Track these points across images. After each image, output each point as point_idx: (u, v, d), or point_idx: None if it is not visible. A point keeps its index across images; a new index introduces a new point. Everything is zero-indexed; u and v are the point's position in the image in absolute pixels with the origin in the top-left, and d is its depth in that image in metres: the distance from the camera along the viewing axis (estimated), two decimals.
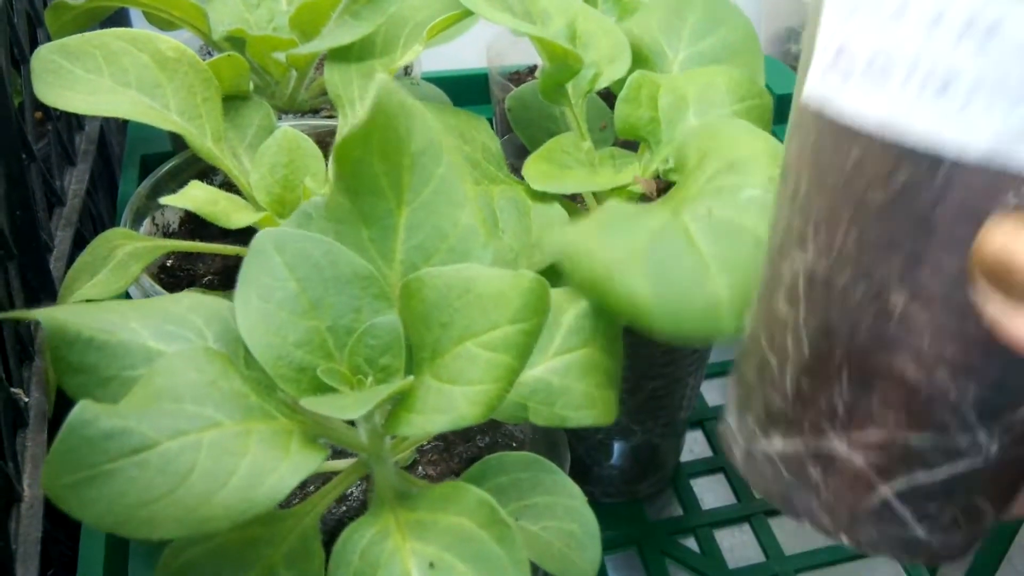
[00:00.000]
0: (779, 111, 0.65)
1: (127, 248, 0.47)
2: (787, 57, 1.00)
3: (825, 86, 0.31)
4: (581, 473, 0.69)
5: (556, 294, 0.45)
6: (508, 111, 0.64)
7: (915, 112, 0.28)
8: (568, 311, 0.44)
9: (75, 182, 0.62)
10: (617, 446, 0.67)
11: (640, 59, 0.61)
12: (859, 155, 0.29)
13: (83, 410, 0.29)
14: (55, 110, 0.62)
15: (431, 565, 0.33)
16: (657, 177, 0.57)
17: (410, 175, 0.38)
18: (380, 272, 0.38)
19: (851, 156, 0.30)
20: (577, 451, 0.66)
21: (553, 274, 0.48)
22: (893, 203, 0.29)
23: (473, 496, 0.34)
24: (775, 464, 0.32)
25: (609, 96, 0.62)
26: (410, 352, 0.37)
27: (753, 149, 0.50)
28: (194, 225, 0.57)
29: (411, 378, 0.35)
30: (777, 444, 0.31)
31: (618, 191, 0.56)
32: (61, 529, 0.48)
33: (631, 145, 0.59)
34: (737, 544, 0.67)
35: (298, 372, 0.36)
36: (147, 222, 0.54)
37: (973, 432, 0.28)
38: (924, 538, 0.30)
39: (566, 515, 0.39)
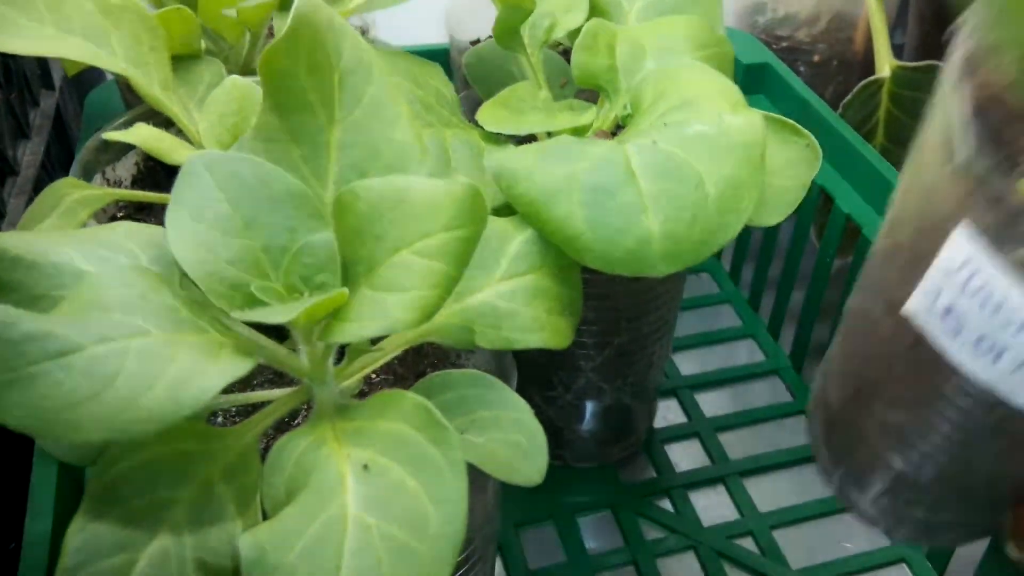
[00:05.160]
0: (746, 82, 0.64)
1: (75, 196, 0.46)
2: (754, 29, 1.00)
3: (932, 325, 0.35)
4: (552, 436, 0.68)
5: (503, 222, 0.45)
6: (466, 67, 0.64)
7: (1019, 390, 0.33)
8: (515, 237, 0.44)
9: (29, 154, 0.62)
10: (588, 407, 0.67)
11: (595, 11, 0.61)
12: (955, 389, 0.35)
13: (4, 313, 0.29)
14: (7, 87, 0.62)
15: (365, 467, 0.32)
16: (617, 128, 0.57)
17: (340, 92, 0.38)
18: (314, 191, 0.37)
19: (947, 387, 0.35)
20: (547, 413, 0.66)
21: (506, 211, 0.48)
22: (988, 437, 0.35)
23: (409, 401, 0.34)
24: None
25: (569, 55, 0.62)
26: (346, 269, 0.37)
27: (706, 88, 0.50)
28: (146, 182, 0.57)
29: (345, 290, 0.35)
30: None
31: (576, 132, 0.56)
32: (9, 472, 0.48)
33: (591, 100, 0.59)
34: (712, 504, 0.67)
35: (231, 289, 0.35)
36: (97, 178, 0.53)
37: None
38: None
39: (512, 427, 0.38)
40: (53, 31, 0.47)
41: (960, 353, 0.34)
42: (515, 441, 0.37)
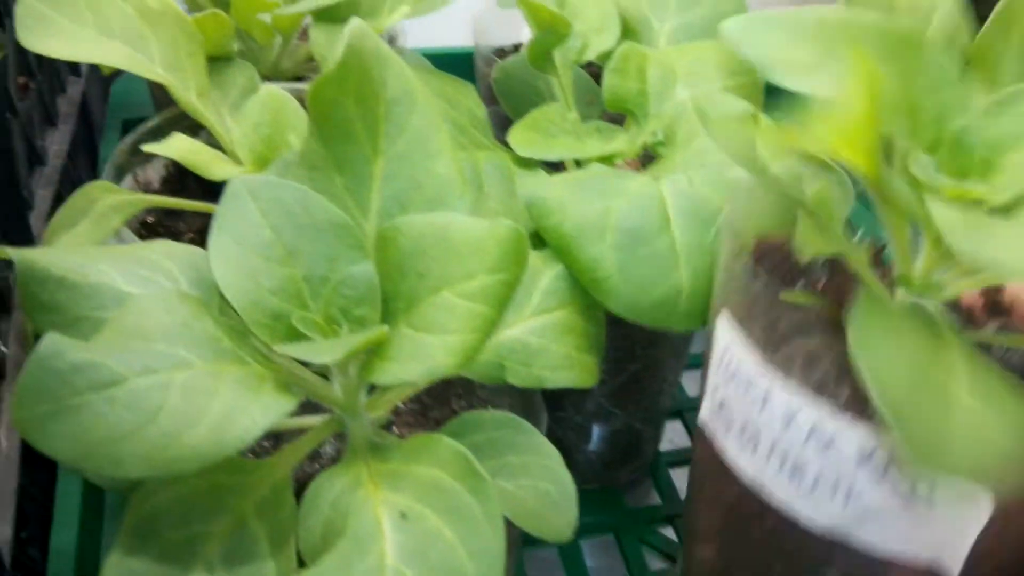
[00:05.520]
0: (769, 94, 0.64)
1: (107, 201, 0.46)
2: None
3: (713, 425, 0.38)
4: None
5: (533, 256, 0.45)
6: (494, 82, 0.63)
7: (776, 482, 0.34)
8: (545, 272, 0.44)
9: (56, 143, 0.62)
10: (596, 430, 0.66)
11: (626, 31, 0.60)
12: (737, 495, 0.37)
13: (51, 342, 0.29)
14: (38, 74, 0.62)
15: (403, 515, 0.32)
16: (644, 152, 0.57)
17: (385, 123, 0.38)
18: (356, 221, 0.37)
19: (732, 492, 0.37)
20: (556, 433, 0.66)
21: (534, 238, 0.48)
22: (764, 540, 0.36)
23: (448, 448, 0.34)
24: None
25: (595, 74, 0.61)
26: (386, 302, 0.36)
27: None
28: (175, 184, 0.56)
29: (386, 327, 0.35)
30: None
31: (604, 160, 0.56)
32: (35, 483, 0.48)
33: (617, 121, 0.58)
34: None
35: (272, 319, 0.35)
36: (128, 179, 0.53)
37: None
38: None
39: (542, 474, 0.38)
40: (94, 33, 0.47)
41: (733, 448, 0.37)
42: (545, 490, 0.37)
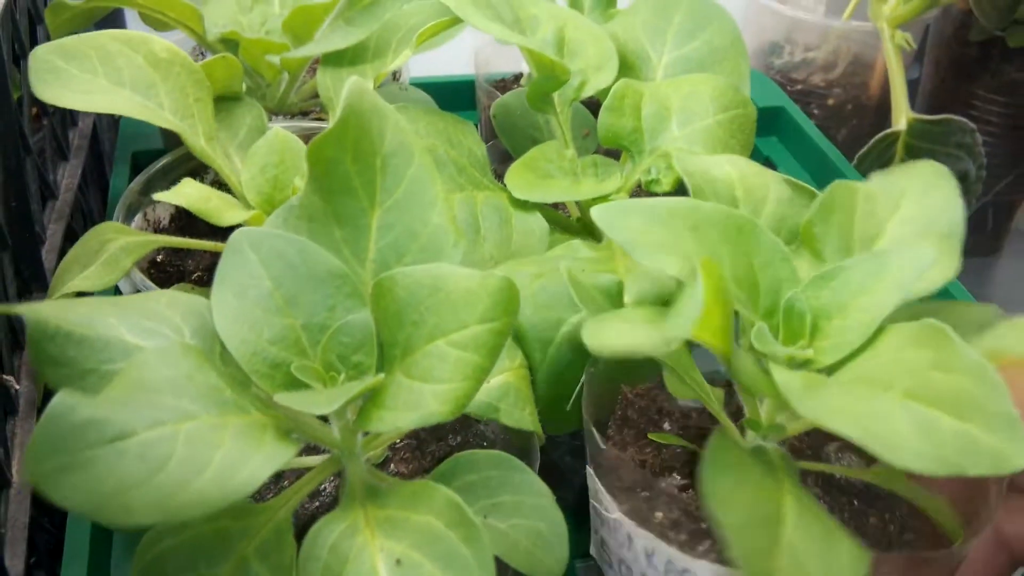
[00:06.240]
0: (762, 123, 0.66)
1: (119, 242, 0.48)
2: (769, 70, 1.01)
3: (600, 559, 0.44)
4: (555, 478, 0.70)
5: None
6: (493, 118, 0.65)
7: None
8: None
9: (67, 176, 0.64)
10: None
11: (624, 64, 0.61)
12: None
13: (64, 399, 0.30)
14: (50, 106, 0.63)
15: (398, 562, 0.34)
16: (638, 187, 0.58)
17: (382, 176, 0.39)
18: (353, 271, 0.39)
19: None
20: (551, 455, 0.67)
21: None
22: None
23: (442, 496, 0.35)
24: None
25: (591, 103, 0.63)
26: (382, 350, 0.38)
27: None
28: (184, 222, 0.58)
29: (382, 375, 0.36)
30: None
31: (600, 200, 0.57)
32: (46, 516, 0.50)
33: (613, 152, 0.60)
34: None
35: (272, 368, 0.37)
36: (138, 217, 0.55)
37: None
38: None
39: (534, 514, 0.40)
40: (105, 83, 0.48)
41: None
42: (537, 529, 0.39)
